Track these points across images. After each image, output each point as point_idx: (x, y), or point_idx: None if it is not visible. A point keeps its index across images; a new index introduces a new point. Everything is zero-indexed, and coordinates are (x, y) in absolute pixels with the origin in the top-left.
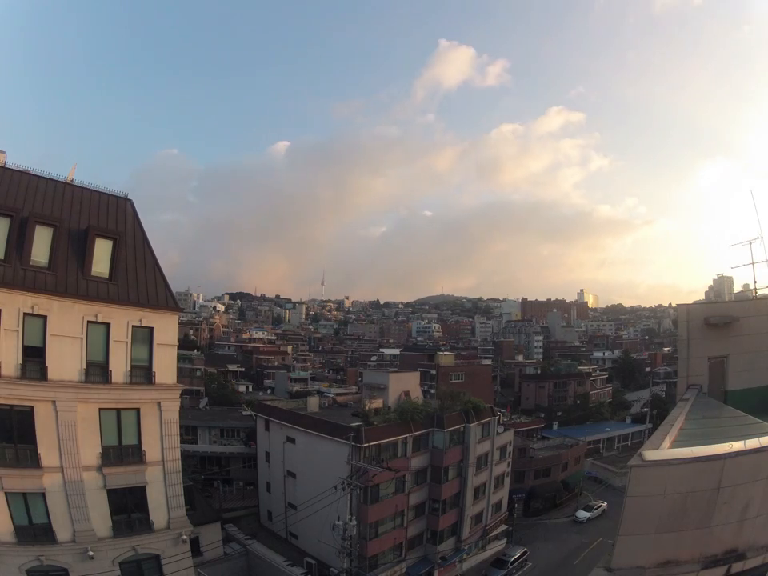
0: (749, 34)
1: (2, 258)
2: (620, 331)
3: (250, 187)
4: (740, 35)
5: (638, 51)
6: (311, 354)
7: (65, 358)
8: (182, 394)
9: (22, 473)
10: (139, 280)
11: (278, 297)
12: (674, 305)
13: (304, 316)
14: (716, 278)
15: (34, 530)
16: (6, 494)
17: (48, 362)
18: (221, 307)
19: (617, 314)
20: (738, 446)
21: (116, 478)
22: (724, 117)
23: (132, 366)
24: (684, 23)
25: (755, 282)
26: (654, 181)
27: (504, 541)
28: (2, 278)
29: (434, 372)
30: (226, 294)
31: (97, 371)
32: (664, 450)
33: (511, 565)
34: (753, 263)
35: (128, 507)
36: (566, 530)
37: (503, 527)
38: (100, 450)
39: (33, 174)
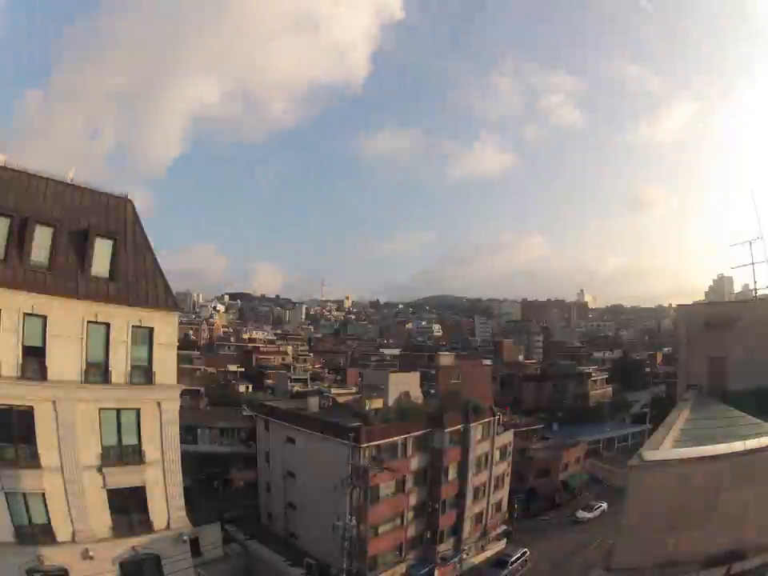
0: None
1: (2, 258)
2: (620, 331)
3: None
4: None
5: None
6: (311, 354)
7: (65, 358)
8: (182, 394)
9: (22, 473)
10: (139, 280)
11: (277, 297)
12: (674, 305)
13: (304, 316)
14: (716, 278)
15: (33, 530)
16: (5, 493)
17: (48, 362)
18: (221, 307)
19: (617, 314)
20: (737, 446)
21: (116, 478)
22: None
23: (132, 366)
24: None
25: (755, 282)
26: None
27: (504, 541)
28: (1, 277)
29: (433, 372)
30: (226, 294)
31: (97, 371)
32: (664, 449)
33: (511, 565)
34: (753, 263)
35: (128, 507)
36: (565, 529)
37: (503, 527)
38: (100, 450)
39: (33, 174)
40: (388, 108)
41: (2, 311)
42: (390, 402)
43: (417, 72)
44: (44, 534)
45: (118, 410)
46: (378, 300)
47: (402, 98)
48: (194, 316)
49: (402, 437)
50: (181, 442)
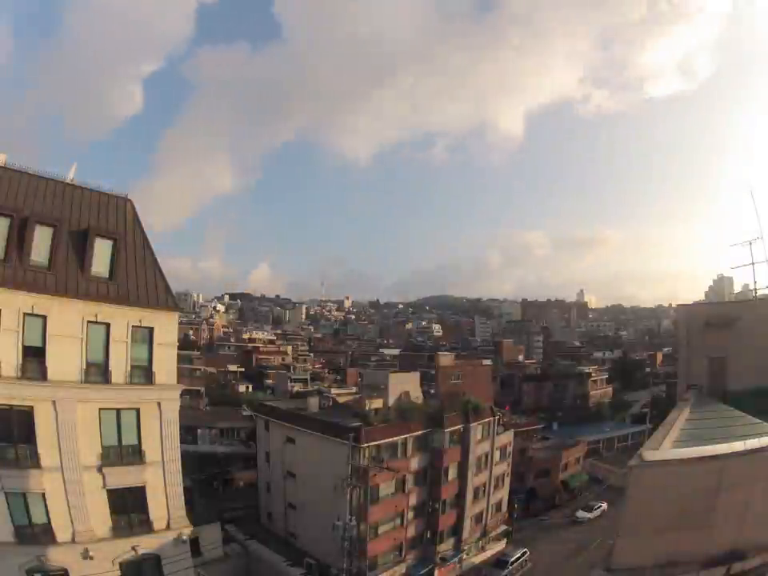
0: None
1: (2, 258)
2: (620, 331)
3: None
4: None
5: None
6: (311, 354)
7: (65, 358)
8: (182, 394)
9: (22, 473)
10: (139, 280)
11: (277, 297)
12: (674, 305)
13: (304, 316)
14: (716, 278)
15: (33, 530)
16: (5, 493)
17: (48, 362)
18: (221, 307)
19: (617, 314)
20: (737, 445)
21: (116, 478)
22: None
23: (132, 366)
24: None
25: (755, 282)
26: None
27: (504, 541)
28: (2, 277)
29: (433, 372)
30: (226, 294)
31: (97, 371)
32: (664, 450)
33: (511, 565)
34: (753, 263)
35: (128, 507)
36: (565, 530)
37: (503, 527)
38: (100, 450)
39: (33, 174)
40: None
41: (1, 311)
42: (390, 402)
43: None
44: (44, 534)
45: (118, 410)
46: (378, 300)
47: None
48: (194, 316)
49: (402, 437)
50: (181, 442)
